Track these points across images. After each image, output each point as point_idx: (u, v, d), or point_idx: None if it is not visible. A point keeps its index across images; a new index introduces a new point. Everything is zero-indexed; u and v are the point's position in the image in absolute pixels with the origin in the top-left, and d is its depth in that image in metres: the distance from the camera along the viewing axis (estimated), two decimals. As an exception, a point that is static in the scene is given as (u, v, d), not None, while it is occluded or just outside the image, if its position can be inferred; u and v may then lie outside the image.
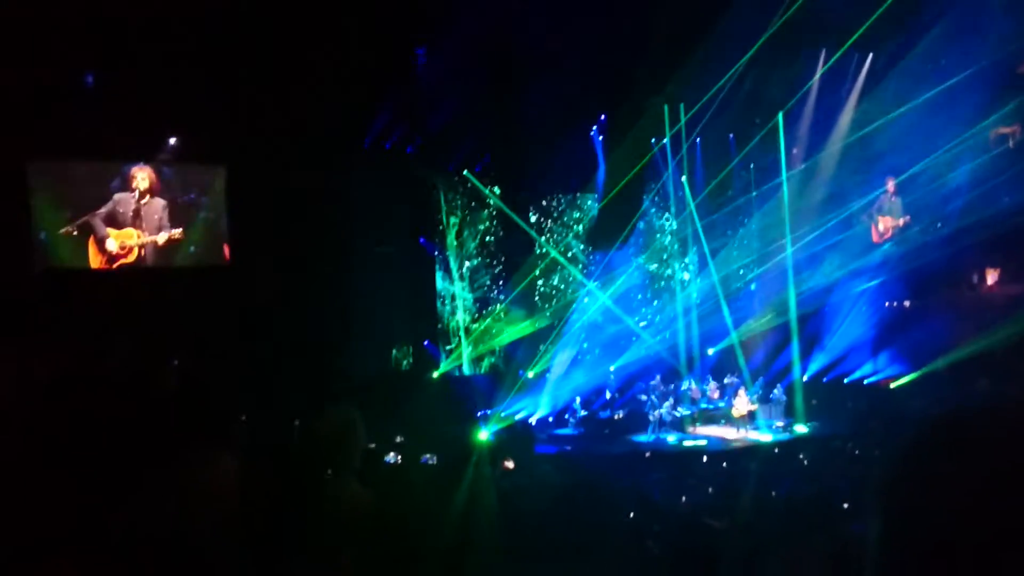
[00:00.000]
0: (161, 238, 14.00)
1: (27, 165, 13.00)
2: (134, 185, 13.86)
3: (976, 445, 0.83)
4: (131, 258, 13.80)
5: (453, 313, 17.67)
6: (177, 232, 14.10)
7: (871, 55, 16.37)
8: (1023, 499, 0.77)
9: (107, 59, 12.27)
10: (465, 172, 17.60)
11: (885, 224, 18.12)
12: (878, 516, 0.87)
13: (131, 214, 13.82)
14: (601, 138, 17.76)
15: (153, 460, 2.21)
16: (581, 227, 19.16)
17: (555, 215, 18.93)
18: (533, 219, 18.58)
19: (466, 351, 17.79)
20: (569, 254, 19.14)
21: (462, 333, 17.76)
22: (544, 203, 18.70)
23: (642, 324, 19.25)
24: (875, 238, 18.18)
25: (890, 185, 17.86)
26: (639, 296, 19.53)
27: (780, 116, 17.77)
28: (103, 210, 13.61)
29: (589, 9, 12.95)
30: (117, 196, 13.74)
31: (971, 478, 0.80)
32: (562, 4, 13.00)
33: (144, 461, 2.20)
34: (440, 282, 17.45)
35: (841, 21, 14.70)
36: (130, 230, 13.79)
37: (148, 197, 13.97)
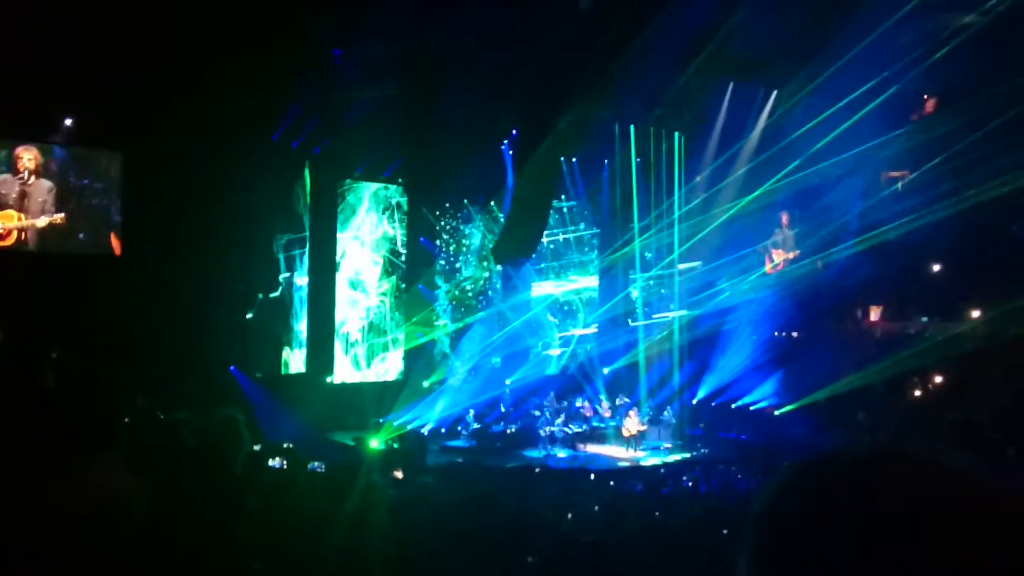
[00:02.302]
0: (41, 222, 13.36)
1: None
2: (20, 166, 13.24)
3: (847, 490, 0.84)
4: (9, 241, 13.15)
5: (352, 318, 17.45)
6: (59, 217, 13.44)
7: (775, 92, 16.94)
8: (888, 549, 0.79)
9: (4, 33, 11.74)
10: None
11: (778, 256, 18.77)
12: (745, 553, 0.88)
13: (15, 195, 13.18)
14: (511, 153, 17.85)
15: (30, 460, 2.10)
16: (486, 239, 19.21)
17: (460, 225, 18.94)
18: (438, 228, 18.56)
19: (361, 357, 17.59)
20: (472, 265, 19.18)
21: (358, 338, 17.55)
22: (450, 212, 18.68)
23: (544, 340, 19.41)
24: (768, 269, 18.81)
25: (784, 219, 18.53)
26: (541, 311, 19.68)
27: (678, 143, 18.27)
28: (-16, 190, 12.97)
29: (507, 22, 13.02)
30: (0, 177, 13.11)
31: (837, 523, 0.81)
32: (481, 16, 13.05)
33: (20, 461, 2.09)
34: (340, 286, 17.21)
35: (752, 56, 15.17)
36: (11, 212, 13.13)
37: (34, 179, 13.35)
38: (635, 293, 19.86)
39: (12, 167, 13.18)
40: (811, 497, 0.85)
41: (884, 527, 0.79)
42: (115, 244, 13.96)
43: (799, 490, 0.87)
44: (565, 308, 20.04)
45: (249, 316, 15.38)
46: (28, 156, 13.27)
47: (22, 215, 13.20)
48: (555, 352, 19.44)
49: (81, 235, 13.71)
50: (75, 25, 11.43)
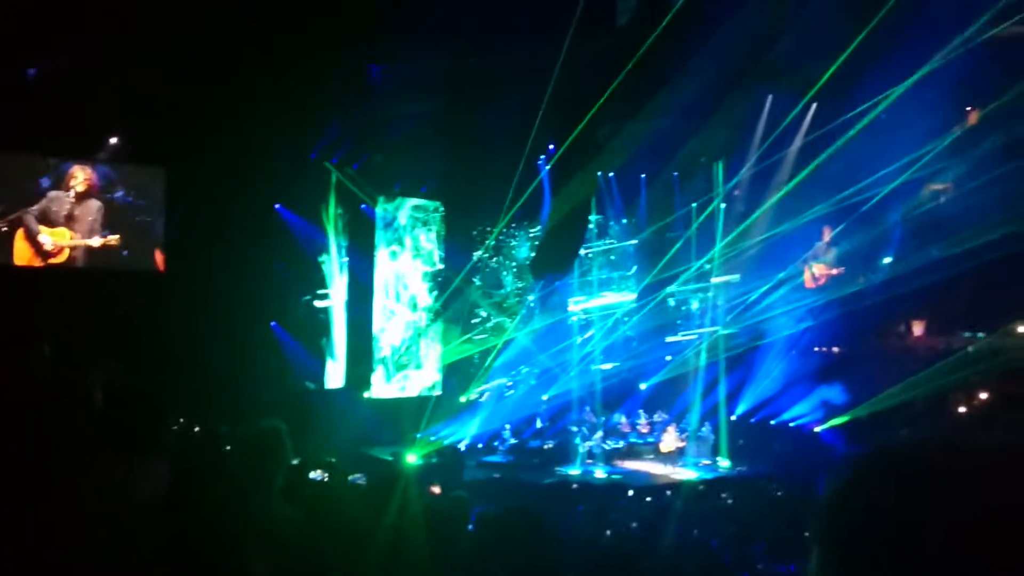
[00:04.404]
0: (96, 242, 13.65)
1: (-42, 155, 12.66)
2: (71, 184, 13.52)
3: (915, 476, 0.85)
4: (61, 258, 13.44)
5: (390, 333, 17.53)
6: (114, 239, 13.76)
7: (815, 104, 16.78)
8: (962, 530, 0.80)
9: (49, 53, 12.02)
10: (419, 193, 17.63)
11: (820, 271, 18.57)
12: (817, 547, 0.89)
13: (64, 214, 13.47)
14: (548, 169, 17.86)
15: (75, 464, 2.15)
16: (523, 255, 19.24)
17: (497, 242, 18.98)
18: (475, 245, 18.58)
19: (399, 372, 17.66)
20: (508, 282, 19.20)
21: (396, 354, 17.63)
22: (487, 229, 18.70)
23: (580, 356, 19.34)
24: (808, 283, 18.61)
25: (826, 234, 18.33)
26: (576, 328, 19.64)
27: (719, 162, 18.20)
28: (36, 207, 13.24)
29: (544, 40, 13.06)
30: (52, 194, 13.38)
31: (909, 508, 0.83)
32: (517, 32, 13.12)
33: (66, 465, 2.14)
34: (378, 301, 17.31)
35: (791, 68, 15.07)
36: (63, 230, 13.43)
37: (84, 198, 13.64)
38: (692, 305, 19.71)
39: (64, 185, 13.47)
40: (878, 487, 0.87)
41: (952, 514, 0.80)
42: (159, 260, 14.20)
43: (867, 480, 0.89)
44: (601, 323, 19.91)
45: (290, 329, 15.55)
46: (83, 176, 13.58)
47: (73, 234, 13.49)
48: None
49: (126, 252, 13.97)
50: (116, 43, 11.66)
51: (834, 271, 18.37)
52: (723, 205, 18.70)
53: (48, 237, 13.26)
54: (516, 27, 13.03)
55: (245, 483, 3.47)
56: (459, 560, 3.97)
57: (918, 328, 18.04)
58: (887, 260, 17.07)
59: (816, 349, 18.29)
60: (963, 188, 15.86)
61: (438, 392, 17.94)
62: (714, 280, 19.04)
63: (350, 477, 9.06)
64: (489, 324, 18.93)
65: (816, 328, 17.89)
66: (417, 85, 14.65)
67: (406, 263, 17.75)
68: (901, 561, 0.81)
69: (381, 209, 17.22)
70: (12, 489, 1.95)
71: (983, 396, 16.38)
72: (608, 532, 9.65)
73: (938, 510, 0.82)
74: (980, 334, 16.88)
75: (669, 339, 19.47)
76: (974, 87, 14.71)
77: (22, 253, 13.12)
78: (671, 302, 19.79)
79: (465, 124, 15.57)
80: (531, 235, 19.24)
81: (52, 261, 13.36)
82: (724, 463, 16.67)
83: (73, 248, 13.51)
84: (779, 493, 12.76)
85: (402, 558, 3.70)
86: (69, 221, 13.50)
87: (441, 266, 18.15)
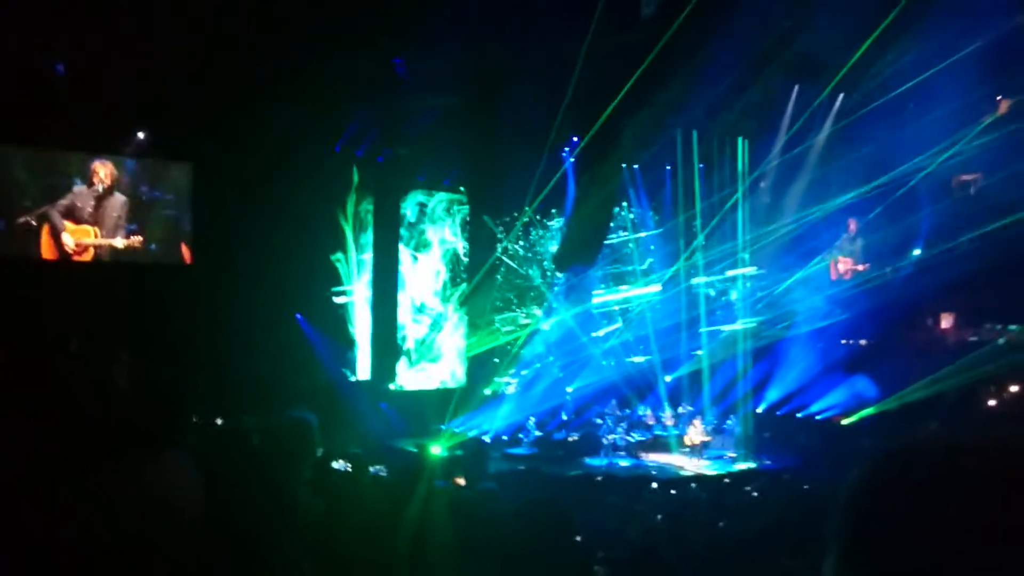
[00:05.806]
0: (119, 243, 13.73)
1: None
2: (95, 180, 13.62)
3: (928, 476, 0.83)
4: (87, 257, 13.53)
5: (413, 326, 17.59)
6: (137, 240, 13.83)
7: (841, 95, 16.62)
8: (977, 533, 0.78)
9: (77, 49, 12.12)
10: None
11: (845, 265, 18.42)
12: (832, 547, 0.87)
13: (89, 209, 13.56)
14: (572, 160, 17.81)
15: (100, 460, 2.15)
16: (547, 246, 19.21)
17: (522, 234, 18.96)
18: (499, 237, 18.57)
19: (422, 364, 17.71)
20: (533, 274, 19.18)
21: (421, 346, 17.68)
22: (511, 221, 18.69)
23: (604, 348, 19.30)
24: (833, 276, 18.46)
25: (852, 226, 18.16)
26: (601, 319, 19.60)
27: (742, 144, 18.08)
28: (62, 202, 13.35)
29: (567, 30, 13.01)
30: (77, 190, 13.47)
31: (924, 510, 0.81)
32: (541, 24, 13.08)
33: (91, 461, 2.14)
34: (402, 294, 17.35)
35: (819, 58, 14.93)
36: (87, 227, 13.50)
37: (108, 193, 13.73)
38: (720, 295, 19.61)
39: (88, 180, 13.57)
40: (891, 486, 0.85)
41: (966, 517, 0.78)
42: (186, 254, 14.29)
43: (880, 479, 0.87)
44: (624, 315, 19.85)
45: (315, 321, 15.63)
46: (104, 171, 13.65)
47: (98, 230, 13.56)
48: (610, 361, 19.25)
49: (153, 246, 14.06)
50: (143, 38, 11.74)
51: (860, 267, 18.21)
52: (748, 196, 18.58)
53: (71, 237, 13.33)
54: (539, 19, 12.98)
55: (274, 475, 3.48)
56: (486, 552, 3.97)
57: (947, 320, 17.84)
58: (916, 252, 16.87)
59: (843, 341, 18.14)
60: (993, 178, 15.66)
61: (463, 384, 17.98)
62: (737, 272, 18.94)
63: (371, 468, 9.07)
64: (513, 316, 18.93)
65: (842, 321, 17.75)
66: (440, 78, 14.64)
67: (431, 256, 17.78)
68: (910, 564, 0.79)
69: (405, 202, 17.26)
70: (36, 489, 1.95)
71: (1013, 389, 16.16)
72: (633, 525, 9.60)
73: (950, 512, 0.79)
74: (1012, 326, 16.65)
75: (694, 332, 19.38)
76: (1005, 76, 14.52)
77: (48, 250, 13.23)
78: (710, 292, 19.66)
79: (488, 116, 15.54)
80: (555, 227, 19.21)
81: (78, 259, 13.46)
82: (749, 456, 16.58)
83: (98, 247, 13.60)
84: (805, 487, 12.66)
85: (428, 549, 3.71)
86: (94, 217, 13.59)
87: (466, 258, 18.17)
